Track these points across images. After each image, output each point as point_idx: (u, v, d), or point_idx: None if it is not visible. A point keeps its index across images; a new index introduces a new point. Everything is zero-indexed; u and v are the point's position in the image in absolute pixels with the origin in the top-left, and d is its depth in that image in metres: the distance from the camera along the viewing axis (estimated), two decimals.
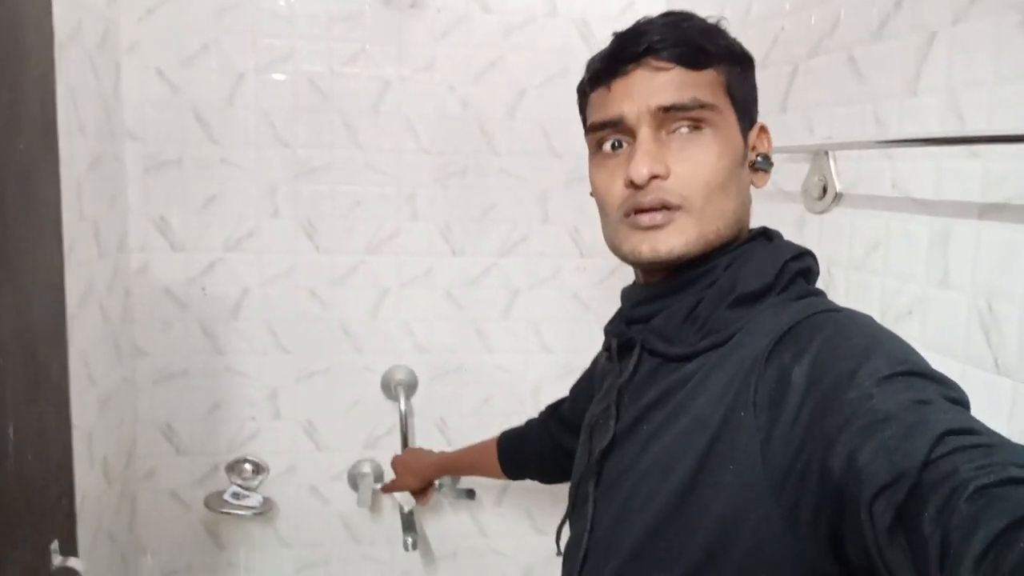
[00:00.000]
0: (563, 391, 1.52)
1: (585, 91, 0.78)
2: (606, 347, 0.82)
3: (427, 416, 1.65)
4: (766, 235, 0.74)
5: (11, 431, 0.82)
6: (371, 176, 1.56)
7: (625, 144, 0.72)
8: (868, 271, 1.07)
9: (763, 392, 0.60)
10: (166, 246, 1.49)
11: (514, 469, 1.24)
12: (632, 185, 0.69)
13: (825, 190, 1.15)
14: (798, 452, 0.56)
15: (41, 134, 0.94)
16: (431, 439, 1.65)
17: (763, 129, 0.76)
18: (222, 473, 1.57)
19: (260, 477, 1.59)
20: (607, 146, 0.73)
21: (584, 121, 0.79)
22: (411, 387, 1.62)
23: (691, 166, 0.68)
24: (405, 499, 1.51)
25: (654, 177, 0.68)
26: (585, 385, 1.07)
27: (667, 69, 0.69)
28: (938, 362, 0.82)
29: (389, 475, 1.60)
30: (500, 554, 1.70)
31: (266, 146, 1.51)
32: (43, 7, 0.96)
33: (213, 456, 1.57)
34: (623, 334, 0.77)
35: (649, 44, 0.69)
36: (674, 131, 0.69)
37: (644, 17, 0.73)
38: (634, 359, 0.74)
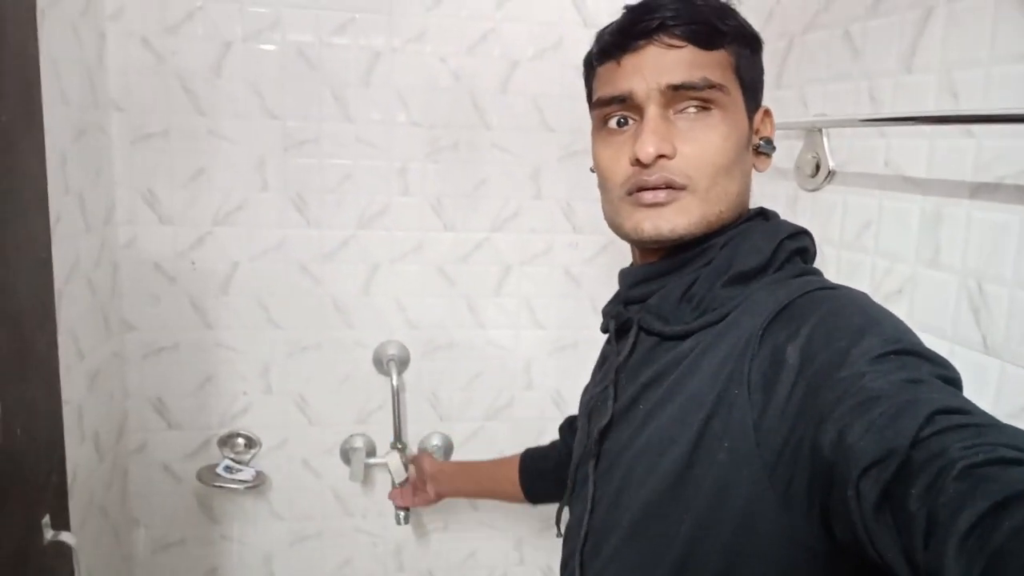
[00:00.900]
0: (554, 367, 1.52)
1: (592, 64, 0.76)
2: (604, 328, 0.82)
3: (419, 391, 1.65)
4: (763, 215, 0.74)
5: None
6: (361, 149, 1.54)
7: (631, 121, 0.71)
8: (859, 250, 1.07)
9: (757, 370, 0.61)
10: (154, 219, 1.48)
11: (533, 486, 1.22)
12: (637, 163, 0.68)
13: (818, 167, 1.15)
14: (791, 430, 0.56)
15: (24, 105, 0.93)
16: (422, 414, 1.65)
17: (767, 113, 0.76)
18: (214, 447, 1.57)
19: (252, 451, 1.59)
20: (613, 122, 0.72)
21: (589, 94, 0.78)
22: (403, 362, 1.62)
23: (698, 147, 0.68)
24: (397, 472, 1.52)
25: (660, 156, 0.67)
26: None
27: (679, 47, 0.68)
28: (927, 342, 0.82)
29: (382, 448, 1.62)
30: (492, 527, 1.71)
31: (254, 118, 1.49)
32: None
33: (205, 430, 1.57)
34: (620, 315, 0.77)
35: (662, 20, 0.68)
36: (682, 110, 0.69)
37: None
38: (631, 339, 0.74)
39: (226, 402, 1.57)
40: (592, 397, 0.80)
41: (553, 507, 0.91)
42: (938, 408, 0.47)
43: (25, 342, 0.91)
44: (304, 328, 1.57)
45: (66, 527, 1.02)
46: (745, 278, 0.68)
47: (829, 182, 1.14)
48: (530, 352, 1.67)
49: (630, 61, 0.70)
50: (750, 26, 0.73)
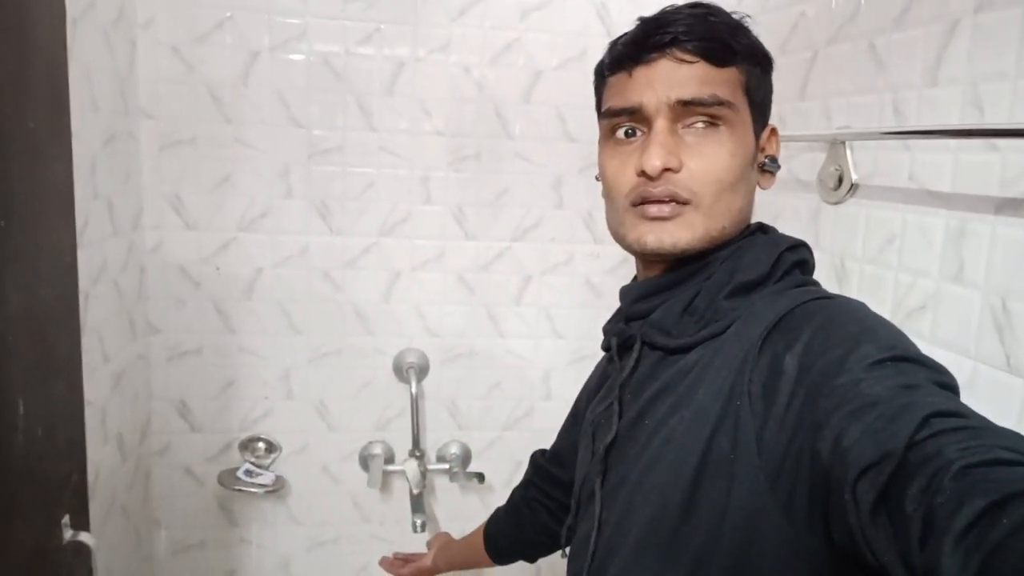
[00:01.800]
0: (573, 377, 1.51)
1: (603, 73, 0.77)
2: (605, 346, 0.83)
3: (437, 399, 1.65)
4: (762, 229, 0.75)
5: (21, 407, 0.83)
6: (384, 158, 1.55)
7: (639, 133, 0.71)
8: (882, 264, 1.05)
9: (757, 381, 0.61)
10: (180, 224, 1.51)
11: (500, 558, 1.16)
12: (643, 175, 0.68)
13: (841, 180, 1.13)
14: (791, 440, 0.56)
15: (52, 111, 0.95)
16: (441, 422, 1.66)
17: (774, 131, 0.76)
18: (235, 450, 1.59)
19: (273, 455, 1.61)
20: (620, 133, 0.73)
21: (599, 103, 0.78)
22: (423, 370, 1.63)
23: (704, 162, 0.68)
24: (415, 482, 1.52)
25: (666, 170, 0.68)
26: (568, 429, 1.04)
27: (691, 62, 0.69)
28: (949, 359, 0.80)
29: (400, 455, 1.62)
30: None
31: (280, 126, 1.51)
32: None
33: (226, 434, 1.59)
34: (623, 332, 0.77)
35: (676, 35, 0.68)
36: (690, 125, 0.69)
37: (671, 5, 0.72)
38: (635, 355, 0.74)
39: (247, 406, 1.59)
40: (595, 415, 0.80)
41: None
42: (934, 411, 0.47)
43: (48, 344, 0.93)
44: (325, 334, 1.59)
45: (86, 527, 1.03)
46: (746, 289, 0.68)
47: (852, 195, 1.12)
48: (549, 362, 1.66)
49: (642, 73, 0.70)
50: (762, 45, 0.74)
